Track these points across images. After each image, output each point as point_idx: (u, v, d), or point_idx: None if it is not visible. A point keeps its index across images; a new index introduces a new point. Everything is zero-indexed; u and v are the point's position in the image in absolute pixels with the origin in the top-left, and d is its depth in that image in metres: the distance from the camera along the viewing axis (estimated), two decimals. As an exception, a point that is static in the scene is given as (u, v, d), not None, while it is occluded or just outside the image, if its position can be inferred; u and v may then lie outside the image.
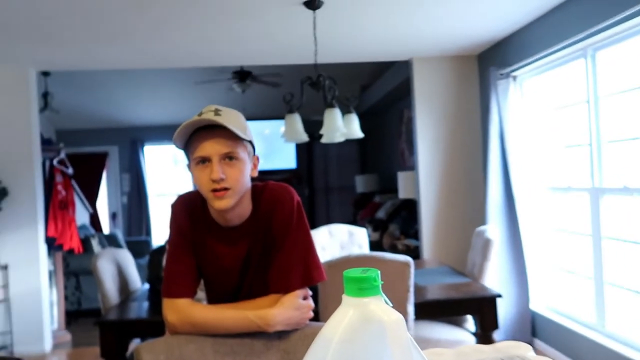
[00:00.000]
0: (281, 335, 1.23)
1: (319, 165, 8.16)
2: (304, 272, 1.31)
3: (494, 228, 3.10)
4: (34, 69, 4.19)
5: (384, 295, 0.51)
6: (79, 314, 5.00)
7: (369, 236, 5.48)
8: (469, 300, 2.47)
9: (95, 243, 5.36)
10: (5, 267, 4.09)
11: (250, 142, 1.30)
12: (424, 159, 4.34)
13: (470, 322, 2.78)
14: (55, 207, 4.36)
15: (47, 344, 4.20)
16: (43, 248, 4.19)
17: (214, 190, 1.22)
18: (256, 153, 1.36)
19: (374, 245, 5.09)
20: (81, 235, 4.89)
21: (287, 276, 1.29)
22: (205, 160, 1.23)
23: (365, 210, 6.65)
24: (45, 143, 4.57)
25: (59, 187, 4.45)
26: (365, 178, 7.34)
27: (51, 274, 4.47)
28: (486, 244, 2.80)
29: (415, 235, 4.87)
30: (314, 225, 3.61)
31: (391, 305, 0.49)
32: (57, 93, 5.97)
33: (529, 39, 3.51)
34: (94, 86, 6.52)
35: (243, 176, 1.25)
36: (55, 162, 4.49)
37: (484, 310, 2.46)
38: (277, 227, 1.32)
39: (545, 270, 3.65)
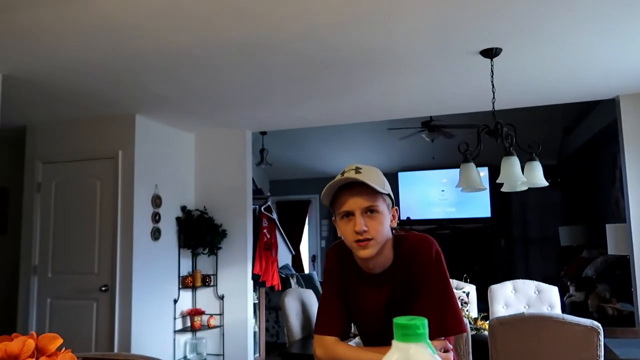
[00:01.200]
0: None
1: (517, 213, 7.61)
2: (441, 322, 1.32)
3: None
4: (249, 130, 4.99)
5: (429, 343, 0.53)
6: (277, 345, 5.53)
7: (571, 295, 4.86)
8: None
9: (293, 282, 5.91)
10: (222, 297, 4.82)
11: (389, 196, 1.40)
12: (637, 209, 3.74)
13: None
14: (261, 248, 4.99)
15: (250, 370, 4.74)
16: (250, 283, 4.82)
17: (358, 241, 1.34)
18: (394, 205, 1.45)
19: (576, 307, 4.49)
20: (282, 274, 5.47)
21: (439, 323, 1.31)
22: (349, 214, 1.35)
23: (571, 266, 5.91)
24: (256, 192, 5.32)
25: (265, 231, 5.10)
26: (571, 229, 6.57)
27: (255, 307, 5.08)
28: None
29: (631, 299, 4.15)
30: (494, 281, 3.40)
31: (435, 354, 0.52)
32: (271, 149, 6.94)
33: None
34: (300, 141, 7.38)
35: (383, 227, 1.35)
36: (262, 208, 5.18)
37: None
38: (416, 275, 1.37)
39: None
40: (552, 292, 3.20)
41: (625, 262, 4.93)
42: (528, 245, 7.50)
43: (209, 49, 2.78)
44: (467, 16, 2.43)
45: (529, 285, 3.25)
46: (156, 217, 4.38)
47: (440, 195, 7.98)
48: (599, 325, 1.99)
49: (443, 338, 1.33)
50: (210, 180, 4.96)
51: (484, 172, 7.22)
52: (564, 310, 3.38)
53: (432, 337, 1.30)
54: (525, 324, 2.06)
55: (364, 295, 1.44)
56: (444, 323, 1.32)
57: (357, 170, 1.35)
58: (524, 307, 3.20)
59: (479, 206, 7.71)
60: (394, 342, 0.54)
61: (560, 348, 1.98)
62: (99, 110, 4.04)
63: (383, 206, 1.37)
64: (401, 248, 1.42)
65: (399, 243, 1.42)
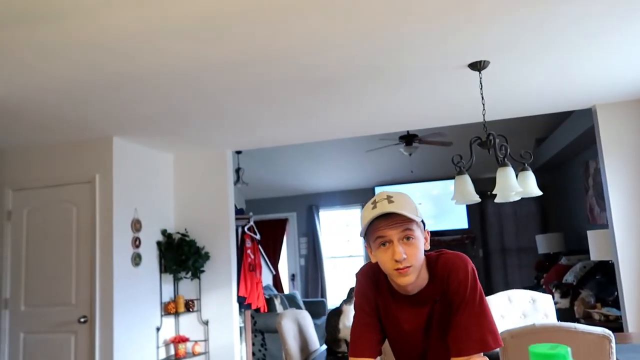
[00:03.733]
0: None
1: (493, 224, 7.72)
2: (480, 337, 1.31)
3: None
4: (230, 149, 4.89)
5: (573, 372, 0.48)
6: (265, 370, 5.37)
7: (556, 303, 4.92)
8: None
9: (277, 303, 5.78)
10: (206, 323, 4.65)
11: (422, 220, 1.40)
12: (619, 214, 3.83)
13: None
14: (245, 270, 4.87)
15: (238, 397, 4.57)
16: (235, 306, 4.67)
17: (398, 269, 1.34)
18: (426, 228, 1.45)
19: (563, 314, 4.54)
20: (266, 296, 5.33)
21: (462, 340, 1.33)
22: (386, 243, 1.35)
23: (550, 274, 6.01)
24: (238, 212, 5.20)
25: (249, 252, 4.98)
26: (548, 237, 6.69)
27: (241, 331, 4.92)
28: None
29: (615, 303, 4.23)
30: (491, 291, 3.40)
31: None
32: (247, 168, 6.84)
33: None
34: (276, 160, 7.30)
35: (420, 252, 1.36)
36: (246, 229, 5.06)
37: None
38: (453, 292, 1.38)
39: None
40: (546, 301, 3.22)
41: (604, 267, 5.04)
42: (505, 254, 7.61)
43: (189, 69, 2.71)
44: (456, 29, 2.45)
45: (523, 295, 3.26)
46: (136, 242, 4.21)
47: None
48: (611, 333, 1.98)
49: (483, 354, 1.30)
50: (191, 201, 4.83)
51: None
52: (558, 319, 3.40)
53: (471, 353, 1.29)
54: (537, 336, 2.04)
55: (401, 317, 1.44)
56: (484, 337, 1.32)
57: (389, 199, 1.36)
58: (520, 317, 3.20)
59: (456, 218, 7.78)
60: (531, 373, 0.48)
61: (574, 358, 1.95)
62: (74, 133, 3.87)
63: (418, 231, 1.37)
64: (436, 267, 1.42)
65: (432, 263, 1.43)
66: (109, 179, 3.99)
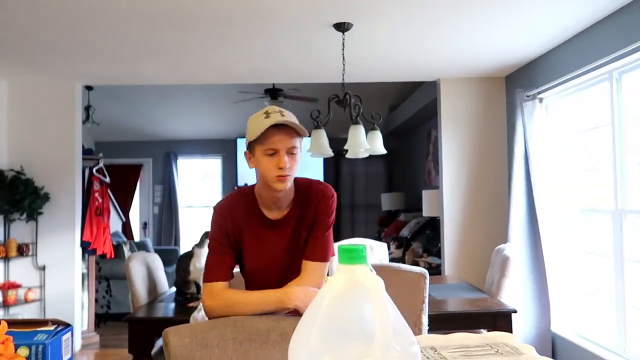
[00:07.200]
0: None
1: (346, 182, 8.26)
2: (325, 250, 1.58)
3: (514, 246, 3.13)
4: (80, 83, 4.46)
5: (369, 264, 0.60)
6: (108, 317, 5.19)
7: (391, 253, 5.53)
8: (484, 314, 2.50)
9: (126, 249, 5.57)
10: (42, 268, 4.32)
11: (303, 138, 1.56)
12: (448, 178, 4.39)
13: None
14: (92, 213, 4.59)
15: (77, 344, 4.38)
16: (78, 251, 4.40)
17: (279, 176, 1.47)
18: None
19: (396, 262, 5.13)
20: (113, 242, 5.10)
21: (314, 248, 1.57)
22: (273, 152, 1.48)
23: (390, 228, 6.69)
24: (86, 153, 4.83)
25: (96, 195, 4.68)
26: (391, 196, 7.40)
27: (84, 277, 4.67)
28: (504, 261, 2.83)
29: (438, 254, 4.90)
30: (338, 240, 3.70)
31: (375, 273, 0.59)
32: (98, 106, 6.30)
33: (556, 61, 3.56)
34: (133, 101, 6.84)
35: (297, 165, 1.53)
36: (94, 170, 4.74)
37: (499, 325, 2.49)
38: (321, 214, 1.58)
39: (567, 292, 3.63)
40: (381, 249, 3.62)
41: (433, 223, 5.77)
42: (354, 210, 8.23)
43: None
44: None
45: (363, 243, 3.61)
46: (-42, 177, 3.70)
47: (277, 163, 8.24)
48: (426, 271, 2.34)
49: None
50: (29, 137, 4.34)
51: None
52: (390, 264, 3.85)
53: (317, 260, 1.54)
54: (369, 274, 2.32)
55: (266, 240, 1.57)
56: (326, 252, 1.59)
57: (281, 112, 1.48)
58: (359, 262, 3.56)
59: (313, 174, 8.16)
60: (339, 266, 0.60)
61: (397, 291, 2.26)
62: None
63: (299, 148, 1.53)
64: (308, 192, 1.59)
65: (302, 187, 1.60)
66: None
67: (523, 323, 3.59)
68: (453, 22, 3.04)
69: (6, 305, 4.10)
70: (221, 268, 1.54)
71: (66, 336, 0.76)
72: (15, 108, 4.34)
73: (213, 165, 8.46)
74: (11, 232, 4.27)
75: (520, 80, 4.09)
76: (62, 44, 3.35)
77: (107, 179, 4.88)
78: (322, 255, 1.57)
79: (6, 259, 4.20)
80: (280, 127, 1.46)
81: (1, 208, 4.10)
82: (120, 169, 7.82)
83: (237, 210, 1.57)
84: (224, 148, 8.28)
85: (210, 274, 1.54)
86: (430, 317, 2.38)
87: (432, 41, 3.40)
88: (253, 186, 1.62)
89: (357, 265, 0.59)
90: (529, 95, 3.78)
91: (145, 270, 2.93)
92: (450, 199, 4.38)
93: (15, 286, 4.19)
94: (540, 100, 3.83)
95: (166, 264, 6.77)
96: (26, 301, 4.21)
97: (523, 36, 3.33)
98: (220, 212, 1.58)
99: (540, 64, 3.80)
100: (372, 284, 0.57)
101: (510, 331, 2.49)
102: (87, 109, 6.06)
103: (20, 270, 4.29)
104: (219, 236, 1.56)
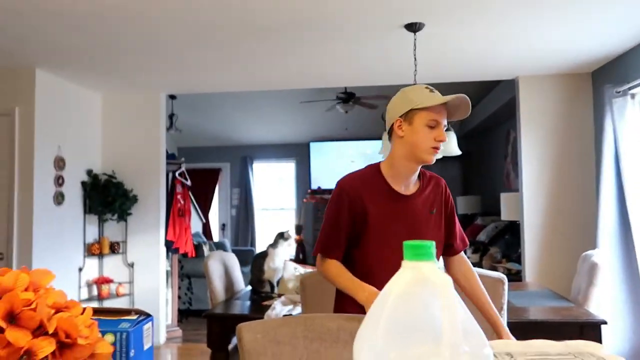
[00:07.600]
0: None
1: (420, 185, 8.09)
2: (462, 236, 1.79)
3: (603, 253, 2.91)
4: (164, 93, 4.75)
5: (437, 261, 0.59)
6: (189, 312, 5.46)
7: (468, 258, 5.34)
8: (569, 324, 2.35)
9: (206, 249, 5.83)
10: (132, 265, 4.63)
11: None
12: (528, 180, 4.18)
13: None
14: (175, 214, 4.85)
15: (162, 337, 4.65)
16: (163, 250, 4.68)
17: (435, 147, 1.56)
18: None
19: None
20: (194, 242, 5.37)
21: (463, 235, 1.79)
22: (434, 125, 1.55)
23: (466, 232, 6.46)
24: (169, 158, 5.12)
25: (179, 197, 4.95)
26: (468, 199, 7.16)
27: (168, 275, 4.95)
28: (592, 268, 2.64)
29: (518, 260, 4.66)
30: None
31: (443, 270, 0.58)
32: (181, 114, 6.67)
33: (648, 53, 3.28)
34: (211, 108, 7.16)
35: None
36: (177, 174, 5.01)
37: (586, 337, 2.32)
38: (451, 201, 1.73)
39: (666, 305, 3.31)
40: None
41: (513, 227, 5.50)
42: (428, 214, 8.03)
43: (121, 0, 2.60)
44: (397, -13, 2.51)
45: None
46: (59, 181, 4.06)
47: (349, 166, 8.24)
48: (504, 277, 2.24)
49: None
50: (120, 143, 4.69)
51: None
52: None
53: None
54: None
55: (396, 212, 1.61)
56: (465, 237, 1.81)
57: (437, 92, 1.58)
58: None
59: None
60: (405, 262, 0.59)
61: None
62: (-8, 59, 3.61)
63: None
64: (425, 174, 1.69)
65: (426, 172, 1.71)
66: (31, 112, 3.79)
67: (614, 335, 3.33)
68: (532, 15, 2.89)
69: (100, 298, 4.44)
70: (336, 243, 1.61)
71: (147, 326, 0.82)
72: (107, 118, 4.71)
73: (287, 169, 8.64)
74: (104, 231, 4.62)
75: (610, 76, 3.81)
76: (148, 58, 3.59)
77: (189, 182, 5.15)
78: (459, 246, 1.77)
79: (100, 255, 4.55)
80: (443, 104, 1.54)
81: (96, 209, 4.45)
82: (201, 173, 8.21)
83: (364, 184, 1.60)
84: (297, 152, 8.43)
85: (327, 247, 1.62)
86: (509, 324, 2.27)
87: (508, 37, 3.26)
88: (375, 164, 1.66)
89: (424, 262, 0.57)
90: (619, 91, 3.51)
91: (223, 269, 3.05)
92: (531, 202, 4.16)
93: (108, 281, 4.53)
94: (632, 96, 3.54)
95: (242, 263, 7.02)
96: (117, 295, 4.53)
97: (613, 28, 3.10)
98: (345, 187, 1.60)
99: (631, 57, 3.51)
100: (440, 281, 0.56)
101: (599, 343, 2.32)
102: (170, 117, 6.43)
103: (112, 267, 4.64)
104: (343, 209, 1.59)
